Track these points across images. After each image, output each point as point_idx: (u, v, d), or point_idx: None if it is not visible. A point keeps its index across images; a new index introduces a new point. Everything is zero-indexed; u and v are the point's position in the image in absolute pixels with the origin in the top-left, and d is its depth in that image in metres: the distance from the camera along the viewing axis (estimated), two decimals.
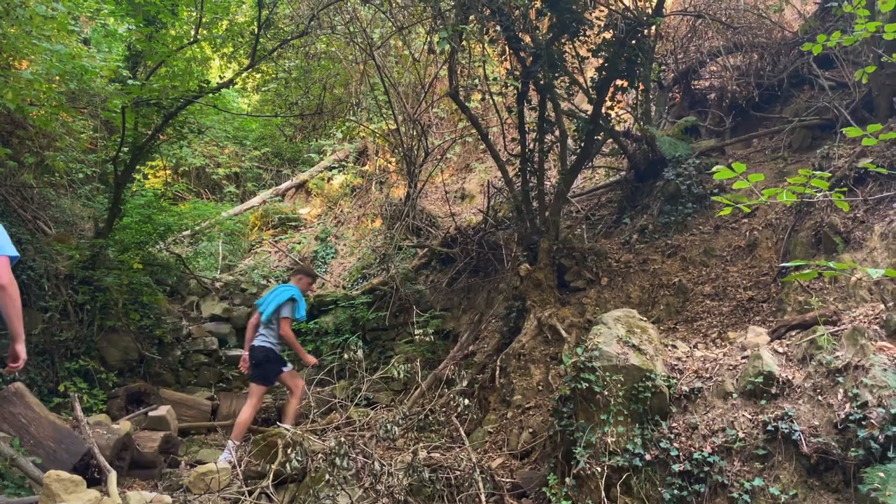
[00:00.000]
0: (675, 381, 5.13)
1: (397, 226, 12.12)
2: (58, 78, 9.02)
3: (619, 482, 4.79)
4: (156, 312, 9.86)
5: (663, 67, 10.85)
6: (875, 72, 7.30)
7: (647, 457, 4.80)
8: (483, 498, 5.64)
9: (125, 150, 9.68)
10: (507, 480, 5.91)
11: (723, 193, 7.64)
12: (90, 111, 11.71)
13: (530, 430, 6.50)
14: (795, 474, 4.32)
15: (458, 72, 9.02)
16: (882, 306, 4.99)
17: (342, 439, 5.39)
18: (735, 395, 4.84)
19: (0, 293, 3.99)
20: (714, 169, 2.83)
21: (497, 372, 7.37)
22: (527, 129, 8.39)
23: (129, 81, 8.74)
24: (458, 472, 5.77)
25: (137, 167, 10.63)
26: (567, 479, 4.95)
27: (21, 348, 4.20)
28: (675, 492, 4.62)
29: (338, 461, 5.18)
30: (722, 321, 6.62)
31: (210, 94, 9.58)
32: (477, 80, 10.67)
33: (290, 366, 7.68)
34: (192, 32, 9.94)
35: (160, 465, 7.00)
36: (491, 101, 10.19)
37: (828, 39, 3.17)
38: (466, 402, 6.17)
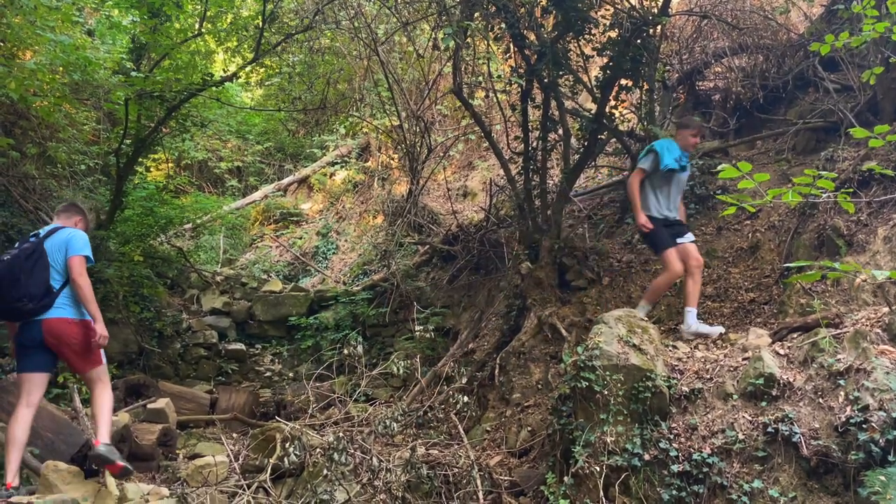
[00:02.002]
0: (675, 381, 5.11)
1: (399, 222, 12.11)
2: (61, 69, 9.00)
3: (618, 482, 4.78)
4: (156, 305, 9.85)
5: (668, 67, 10.81)
6: (881, 75, 7.27)
7: (646, 457, 4.79)
8: (480, 495, 5.63)
9: (128, 142, 9.67)
10: (505, 478, 5.90)
11: (726, 194, 7.62)
12: (93, 103, 11.69)
13: (529, 428, 6.48)
14: (795, 477, 4.30)
15: (462, 69, 9.00)
16: (885, 309, 4.97)
17: (340, 434, 5.39)
18: (735, 397, 4.82)
19: (73, 285, 4.79)
20: (719, 167, 2.81)
21: (497, 370, 7.36)
22: (530, 127, 8.37)
23: (133, 73, 8.73)
24: (456, 470, 5.76)
25: (140, 160, 10.62)
26: (565, 478, 4.94)
27: (100, 327, 4.89)
28: (674, 492, 4.60)
29: (336, 456, 5.18)
30: (723, 322, 6.60)
31: (213, 88, 9.57)
32: (481, 78, 10.66)
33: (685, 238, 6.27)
34: (197, 25, 9.94)
35: (158, 458, 6.97)
36: (494, 98, 10.17)
37: (836, 40, 3.15)
38: (465, 399, 6.16)
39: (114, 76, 9.28)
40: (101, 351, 4.99)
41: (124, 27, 11.05)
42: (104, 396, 5.03)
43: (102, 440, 4.91)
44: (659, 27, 8.97)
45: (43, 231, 4.97)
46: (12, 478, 4.59)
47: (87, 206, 5.59)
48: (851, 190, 3.63)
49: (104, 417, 4.98)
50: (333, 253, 14.29)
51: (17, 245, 4.95)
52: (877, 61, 7.77)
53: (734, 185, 7.35)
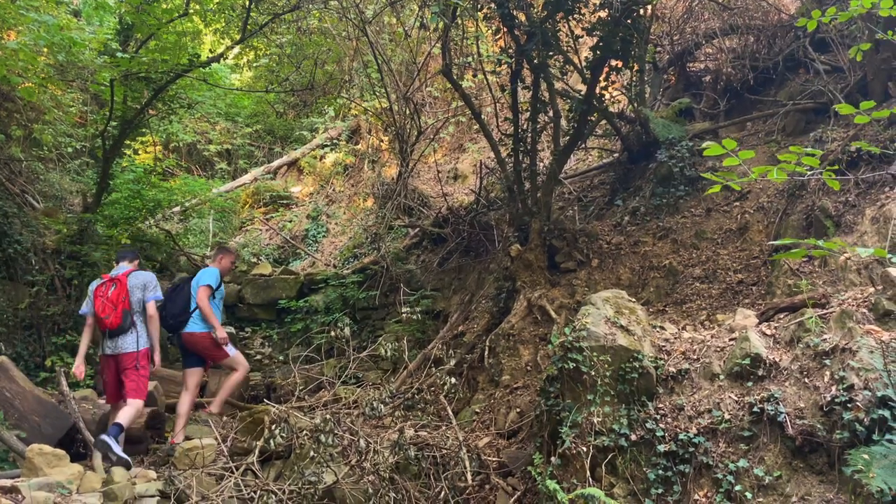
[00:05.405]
0: (662, 362, 5.12)
1: (389, 205, 12.04)
2: (45, 49, 8.89)
3: (605, 462, 4.80)
4: None
5: (658, 49, 10.76)
6: (870, 56, 7.26)
7: (633, 437, 4.81)
8: (469, 476, 5.64)
9: (114, 124, 9.57)
10: (494, 459, 5.92)
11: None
12: (79, 84, 11.58)
13: (518, 409, 6.49)
14: (780, 456, 4.32)
15: (452, 50, 8.92)
16: (871, 289, 4.98)
17: (327, 416, 5.38)
18: (722, 377, 4.83)
19: (198, 306, 6.68)
20: (704, 145, 2.78)
21: (486, 352, 7.37)
22: (520, 108, 8.31)
23: (119, 54, 8.62)
24: (444, 451, 5.77)
25: (127, 142, 10.52)
26: (553, 459, 4.95)
27: (219, 332, 6.67)
28: (660, 472, 4.62)
29: (323, 438, 5.17)
30: (711, 303, 6.62)
31: (200, 69, 9.46)
32: (471, 58, 10.57)
33: None
34: (184, 5, 9.80)
35: (146, 441, 6.97)
36: (485, 80, 10.09)
37: (823, 14, 3.13)
38: (453, 381, 6.15)
39: (99, 57, 9.17)
40: (228, 346, 6.78)
41: (110, 7, 10.92)
42: (234, 376, 6.85)
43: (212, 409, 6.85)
44: (649, 7, 8.91)
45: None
46: (178, 438, 6.29)
47: (233, 246, 7.75)
48: (837, 167, 3.61)
49: (224, 391, 6.85)
50: (323, 236, 14.22)
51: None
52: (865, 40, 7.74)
53: (723, 167, 7.34)
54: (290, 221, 14.89)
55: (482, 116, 9.48)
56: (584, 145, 10.42)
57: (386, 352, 6.15)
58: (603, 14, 7.58)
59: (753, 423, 4.47)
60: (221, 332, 6.67)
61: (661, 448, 4.66)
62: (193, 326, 6.68)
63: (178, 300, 6.78)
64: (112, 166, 9.88)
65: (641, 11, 7.86)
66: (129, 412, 6.00)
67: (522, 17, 7.74)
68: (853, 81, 8.06)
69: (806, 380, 4.46)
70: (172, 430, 6.69)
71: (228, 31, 11.85)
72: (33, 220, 9.20)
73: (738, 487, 4.31)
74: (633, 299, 5.78)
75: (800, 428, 4.28)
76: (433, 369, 7.14)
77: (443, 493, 5.44)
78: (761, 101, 9.50)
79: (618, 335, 5.11)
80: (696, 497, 4.45)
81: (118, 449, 5.63)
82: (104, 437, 5.63)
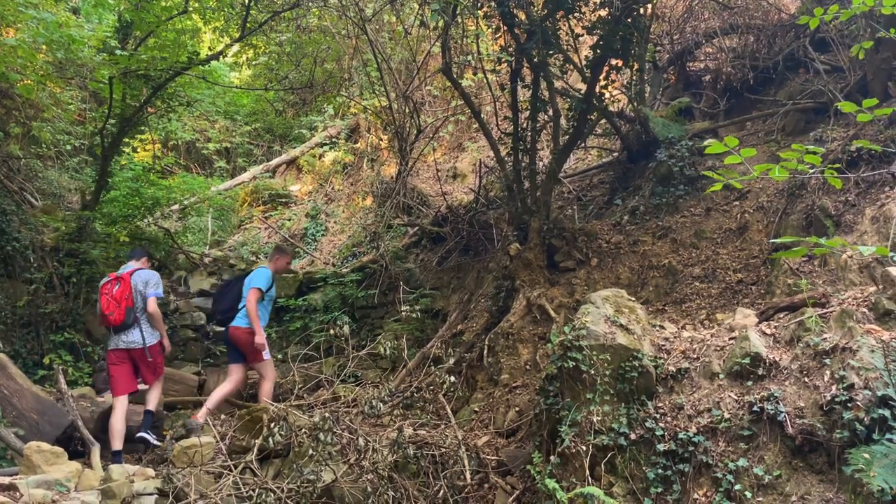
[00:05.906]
0: (661, 361, 5.11)
1: (388, 204, 12.03)
2: (44, 47, 8.87)
3: (604, 461, 4.79)
4: None
5: (658, 48, 10.76)
6: (870, 55, 7.26)
7: (633, 436, 4.80)
8: (468, 475, 5.64)
9: (112, 121, 9.55)
10: (493, 458, 5.91)
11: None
12: (78, 82, 11.56)
13: (517, 408, 6.48)
14: (780, 455, 4.32)
15: (452, 48, 8.91)
16: (871, 289, 4.98)
17: (326, 415, 5.37)
18: (721, 376, 4.82)
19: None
20: (706, 143, 2.78)
21: (485, 351, 7.35)
22: (520, 107, 8.31)
23: (118, 52, 8.60)
24: (443, 450, 5.76)
25: (125, 140, 10.50)
26: (552, 458, 4.94)
27: (258, 337, 6.72)
28: (660, 471, 4.62)
29: (322, 436, 5.16)
30: (711, 303, 6.61)
31: (199, 66, 9.45)
32: (470, 57, 10.56)
33: None
34: (183, 3, 9.79)
35: None
36: (484, 78, 10.08)
37: (825, 13, 3.12)
38: (452, 379, 6.15)
39: (98, 54, 9.14)
40: (265, 352, 6.84)
41: (109, 5, 10.90)
42: (264, 386, 6.87)
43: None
44: (649, 6, 8.90)
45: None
46: (200, 416, 6.46)
47: (288, 246, 7.84)
48: (837, 166, 3.60)
49: (263, 399, 6.71)
50: (322, 235, 14.19)
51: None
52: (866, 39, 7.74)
53: (723, 166, 7.33)
54: (289, 220, 14.87)
55: (482, 115, 9.47)
56: (583, 144, 10.42)
57: (385, 350, 6.14)
58: (603, 13, 7.57)
59: (753, 423, 4.46)
60: (260, 338, 6.77)
61: (661, 447, 4.65)
62: (239, 321, 6.90)
63: (227, 298, 7.12)
64: (111, 164, 9.86)
65: (641, 10, 7.86)
66: (154, 394, 6.68)
67: (522, 16, 7.73)
68: (853, 81, 8.06)
69: (806, 379, 4.46)
70: (172, 428, 6.71)
71: (228, 29, 11.85)
72: (32, 218, 9.18)
73: (737, 487, 4.30)
74: (633, 298, 5.77)
75: (800, 427, 4.27)
76: (432, 368, 7.14)
77: (441, 491, 5.43)
78: (761, 101, 9.49)
79: (617, 334, 5.10)
80: (696, 496, 4.44)
81: (153, 438, 6.42)
82: (140, 434, 6.38)
